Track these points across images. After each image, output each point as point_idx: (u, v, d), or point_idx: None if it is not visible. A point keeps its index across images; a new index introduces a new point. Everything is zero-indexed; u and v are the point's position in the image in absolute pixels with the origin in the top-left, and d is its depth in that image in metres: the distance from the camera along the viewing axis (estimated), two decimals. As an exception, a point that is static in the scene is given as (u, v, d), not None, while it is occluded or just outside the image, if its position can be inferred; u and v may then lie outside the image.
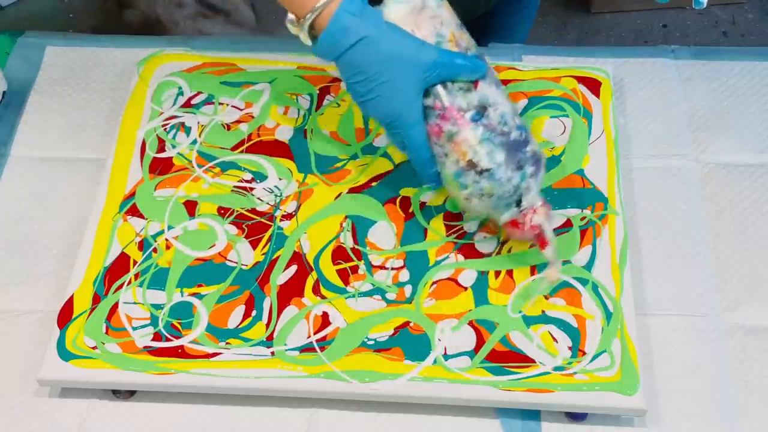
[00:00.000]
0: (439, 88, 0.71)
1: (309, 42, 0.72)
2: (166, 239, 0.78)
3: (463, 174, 0.71)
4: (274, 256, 0.77)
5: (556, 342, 0.72)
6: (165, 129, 0.86)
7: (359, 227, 0.79)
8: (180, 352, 0.72)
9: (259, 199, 0.81)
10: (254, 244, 0.78)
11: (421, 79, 0.70)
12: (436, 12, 0.71)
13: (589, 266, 0.75)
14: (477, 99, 0.71)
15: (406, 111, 0.71)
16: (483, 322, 0.73)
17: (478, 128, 0.70)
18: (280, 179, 0.82)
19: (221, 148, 0.84)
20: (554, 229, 0.75)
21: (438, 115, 0.71)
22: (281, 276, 0.76)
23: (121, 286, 0.76)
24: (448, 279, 0.75)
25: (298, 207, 0.80)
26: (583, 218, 0.78)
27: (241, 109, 0.87)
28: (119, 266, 0.77)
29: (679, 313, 0.76)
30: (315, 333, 0.73)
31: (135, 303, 0.75)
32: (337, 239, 0.78)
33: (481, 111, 0.71)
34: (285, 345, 0.72)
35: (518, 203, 0.72)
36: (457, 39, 0.72)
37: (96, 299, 0.75)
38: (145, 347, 0.72)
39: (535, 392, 0.69)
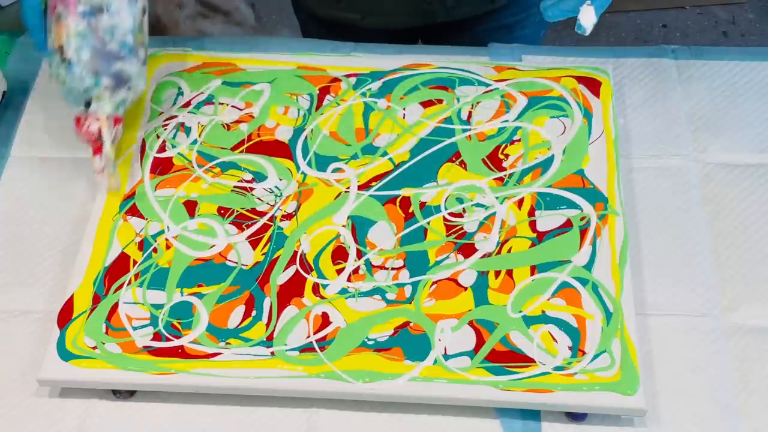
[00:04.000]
0: None
1: None
2: (166, 239, 0.78)
3: (53, 55, 0.77)
4: (274, 256, 0.77)
5: (556, 342, 0.72)
6: (165, 129, 0.86)
7: (359, 227, 0.79)
8: (180, 352, 0.72)
9: (259, 199, 0.81)
10: (254, 244, 0.78)
11: None
12: None
13: (589, 266, 0.75)
14: (100, 2, 0.75)
15: None
16: (483, 322, 0.73)
17: (81, 22, 0.75)
18: (280, 179, 0.82)
19: (221, 148, 0.85)
20: (553, 229, 0.75)
21: None
22: (281, 276, 0.76)
23: (121, 286, 0.76)
24: (448, 279, 0.75)
25: (298, 207, 0.80)
26: (583, 218, 0.78)
27: (241, 109, 0.87)
28: (119, 266, 0.77)
29: (679, 313, 0.76)
30: (315, 333, 0.73)
31: (135, 303, 0.75)
32: (337, 239, 0.78)
33: (95, 12, 0.75)
34: (285, 345, 0.72)
35: (88, 105, 0.77)
36: None
37: (96, 299, 0.75)
38: (145, 347, 0.72)
39: (535, 392, 0.69)
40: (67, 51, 0.75)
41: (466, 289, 0.75)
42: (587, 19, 0.76)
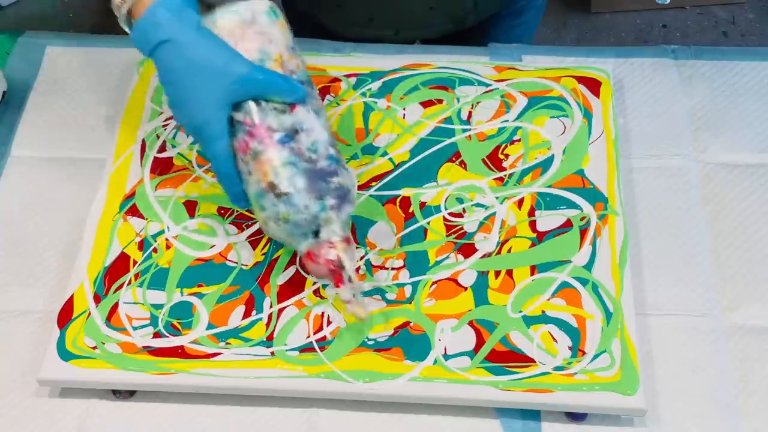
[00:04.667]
0: (251, 105, 0.68)
1: (127, 29, 0.70)
2: (166, 239, 0.78)
3: (263, 195, 0.68)
4: (274, 256, 0.77)
5: (556, 342, 0.72)
6: (165, 129, 0.86)
7: (359, 227, 0.79)
8: (180, 352, 0.72)
9: (259, 199, 0.81)
10: (254, 244, 0.78)
11: (228, 92, 0.67)
12: (266, 29, 0.70)
13: (589, 266, 0.75)
14: (290, 122, 0.69)
15: (210, 122, 0.68)
16: (483, 322, 0.73)
17: (283, 150, 0.68)
18: (280, 179, 0.82)
19: (221, 148, 0.84)
20: (553, 229, 0.75)
21: (246, 132, 0.68)
22: (281, 276, 0.76)
23: (121, 286, 0.76)
24: (448, 279, 0.75)
25: (298, 207, 0.80)
26: (583, 218, 0.78)
27: (241, 109, 0.87)
28: (119, 266, 0.77)
29: (679, 313, 0.76)
30: (315, 333, 0.73)
31: (135, 303, 0.75)
32: (337, 239, 0.78)
33: (292, 134, 0.68)
34: (285, 345, 0.72)
35: (316, 234, 0.69)
36: (283, 60, 0.70)
37: (96, 299, 0.75)
38: (145, 347, 0.72)
39: (535, 392, 0.69)
40: (280, 185, 0.67)
41: (466, 289, 0.75)
42: None
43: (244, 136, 0.68)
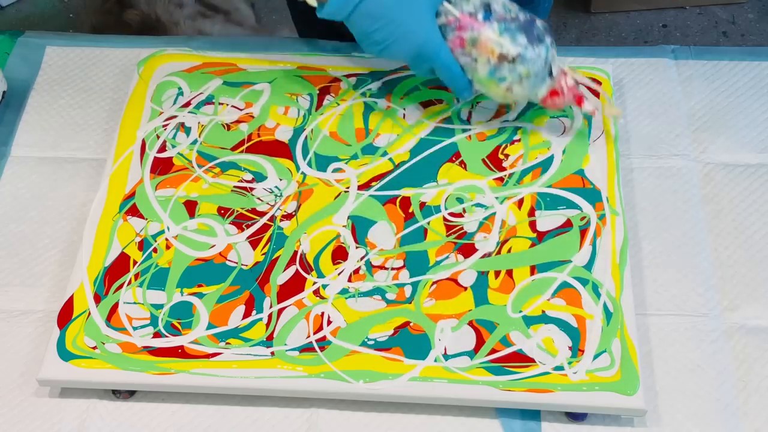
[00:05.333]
0: (447, 5, 0.77)
1: (315, 3, 0.76)
2: (166, 239, 0.78)
3: (498, 69, 0.77)
4: (274, 256, 0.77)
5: (556, 342, 0.72)
6: (165, 129, 0.86)
7: (359, 227, 0.79)
8: (180, 352, 0.72)
9: (259, 199, 0.81)
10: (254, 244, 0.78)
11: (432, 3, 0.76)
12: None
13: (589, 266, 0.75)
14: (478, 0, 0.77)
15: (430, 37, 0.76)
16: (483, 322, 0.73)
17: (492, 24, 0.76)
18: (280, 179, 0.82)
19: (221, 148, 0.85)
20: (553, 230, 0.75)
21: (455, 28, 0.77)
22: (281, 276, 0.76)
23: (121, 286, 0.76)
24: (448, 279, 0.75)
25: (298, 207, 0.80)
26: (583, 218, 0.78)
27: (241, 109, 0.87)
28: (119, 266, 0.77)
29: (679, 313, 0.76)
30: (315, 333, 0.73)
31: (135, 303, 0.75)
32: (337, 239, 0.78)
33: (488, 9, 0.76)
34: (285, 345, 0.72)
35: (550, 74, 0.78)
36: None
37: (96, 299, 0.75)
38: (145, 347, 0.72)
39: (535, 392, 0.69)
40: (509, 51, 0.76)
41: (466, 289, 0.75)
42: None
43: (455, 33, 0.77)
